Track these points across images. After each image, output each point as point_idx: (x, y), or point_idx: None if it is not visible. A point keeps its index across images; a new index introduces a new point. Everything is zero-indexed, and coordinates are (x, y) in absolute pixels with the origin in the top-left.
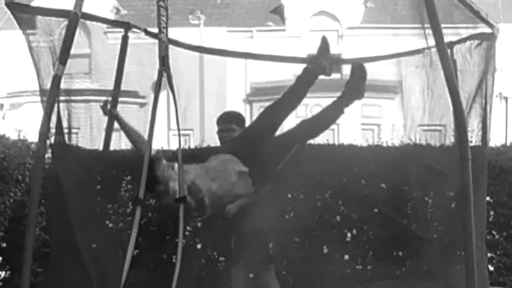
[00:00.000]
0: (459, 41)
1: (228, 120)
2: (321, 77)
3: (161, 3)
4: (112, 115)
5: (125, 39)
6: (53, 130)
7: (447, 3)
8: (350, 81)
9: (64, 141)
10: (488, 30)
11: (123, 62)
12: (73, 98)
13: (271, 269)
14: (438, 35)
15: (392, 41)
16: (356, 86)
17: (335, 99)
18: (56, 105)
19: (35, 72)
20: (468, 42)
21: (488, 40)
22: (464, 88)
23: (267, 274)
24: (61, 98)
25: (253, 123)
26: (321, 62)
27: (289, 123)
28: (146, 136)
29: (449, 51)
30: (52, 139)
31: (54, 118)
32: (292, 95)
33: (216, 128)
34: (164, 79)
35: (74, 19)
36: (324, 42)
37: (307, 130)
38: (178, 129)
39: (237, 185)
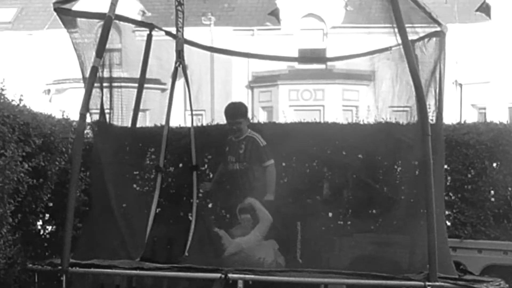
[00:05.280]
0: (418, 39)
1: (234, 116)
2: (307, 66)
3: (179, 8)
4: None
5: (149, 36)
6: (91, 111)
7: (407, 7)
8: None
9: (100, 120)
10: (438, 27)
11: (147, 55)
12: (107, 84)
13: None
14: (403, 34)
15: (366, 38)
16: None
17: None
18: (94, 91)
19: (79, 63)
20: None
21: (439, 36)
22: (423, 76)
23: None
24: (98, 84)
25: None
26: None
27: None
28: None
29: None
30: (91, 118)
31: (92, 101)
32: None
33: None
34: (180, 69)
35: (109, 20)
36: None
37: None
38: (191, 109)
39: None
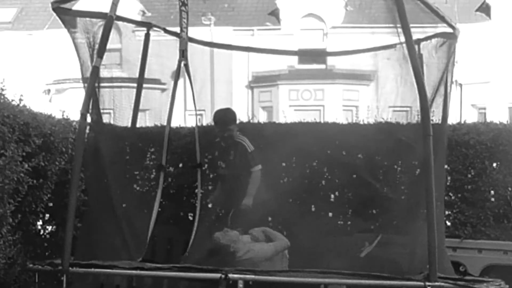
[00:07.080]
0: (425, 39)
1: (225, 123)
2: (308, 66)
3: (183, 8)
4: None
5: (147, 36)
6: (91, 111)
7: (416, 7)
8: None
9: (100, 120)
10: (449, 29)
11: (146, 55)
12: (107, 84)
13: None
14: (407, 33)
15: (367, 38)
16: None
17: None
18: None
19: (79, 63)
20: (434, 41)
21: (450, 39)
22: (430, 78)
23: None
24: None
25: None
26: None
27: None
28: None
29: (416, 46)
30: (91, 118)
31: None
32: None
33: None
34: (183, 68)
35: (110, 20)
36: None
37: None
38: (195, 109)
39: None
